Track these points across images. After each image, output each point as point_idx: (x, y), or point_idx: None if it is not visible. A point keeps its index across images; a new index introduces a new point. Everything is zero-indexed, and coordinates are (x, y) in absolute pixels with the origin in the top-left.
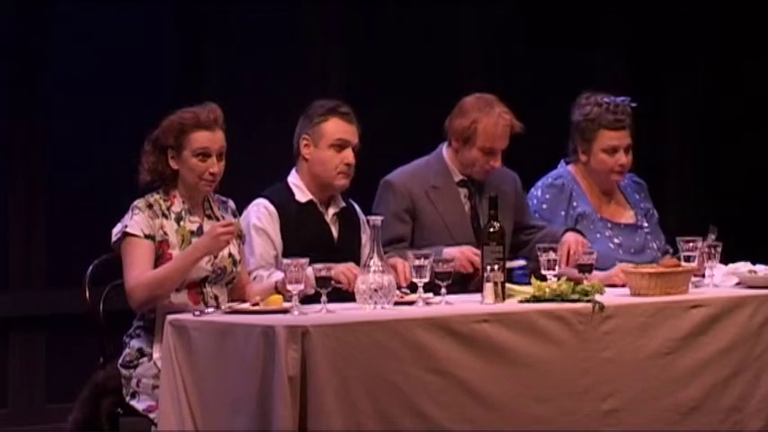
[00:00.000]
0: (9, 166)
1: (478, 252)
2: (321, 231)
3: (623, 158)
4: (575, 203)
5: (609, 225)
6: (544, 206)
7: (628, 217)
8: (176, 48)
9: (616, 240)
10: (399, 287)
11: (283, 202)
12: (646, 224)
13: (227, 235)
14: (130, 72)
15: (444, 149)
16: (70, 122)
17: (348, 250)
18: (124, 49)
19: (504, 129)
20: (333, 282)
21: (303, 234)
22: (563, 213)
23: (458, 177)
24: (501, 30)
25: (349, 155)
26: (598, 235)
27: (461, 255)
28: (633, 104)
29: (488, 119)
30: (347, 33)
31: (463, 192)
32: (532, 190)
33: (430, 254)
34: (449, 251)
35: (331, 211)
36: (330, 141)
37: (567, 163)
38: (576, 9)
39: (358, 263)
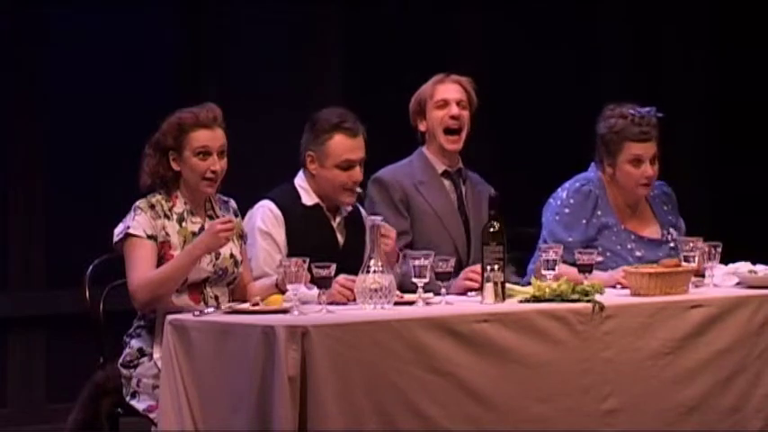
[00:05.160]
0: (9, 166)
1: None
2: (326, 237)
3: (649, 170)
4: (599, 212)
5: (632, 237)
6: (566, 210)
7: (653, 231)
8: (176, 48)
9: (638, 253)
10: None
11: (289, 204)
12: (671, 239)
13: (226, 232)
14: (130, 72)
15: (424, 149)
16: (70, 122)
17: (353, 256)
18: (124, 49)
19: (448, 81)
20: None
21: (308, 239)
22: (584, 222)
23: (441, 169)
24: (501, 30)
25: (356, 173)
26: (619, 247)
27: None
28: (659, 115)
29: (431, 82)
30: (347, 33)
31: (447, 183)
32: (558, 190)
33: (430, 254)
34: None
35: (338, 216)
36: (336, 162)
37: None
38: (576, 9)
39: None
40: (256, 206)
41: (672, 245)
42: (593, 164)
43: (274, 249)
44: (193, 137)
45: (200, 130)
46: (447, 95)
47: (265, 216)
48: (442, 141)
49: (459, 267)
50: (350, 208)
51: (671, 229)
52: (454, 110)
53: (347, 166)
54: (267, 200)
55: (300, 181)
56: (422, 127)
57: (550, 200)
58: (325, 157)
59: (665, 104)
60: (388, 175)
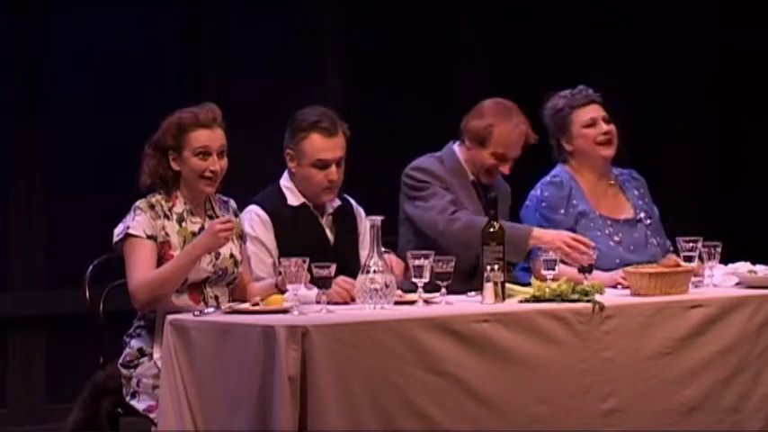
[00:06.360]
0: (9, 166)
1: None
2: (316, 235)
3: (604, 126)
4: (574, 201)
5: (608, 222)
6: (543, 204)
7: (627, 212)
8: (176, 48)
9: (616, 238)
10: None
11: (275, 206)
12: (645, 217)
13: (225, 232)
14: (130, 72)
15: (457, 148)
16: (70, 122)
17: (345, 252)
18: (124, 49)
19: (518, 137)
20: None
21: (298, 239)
22: (562, 212)
23: (470, 178)
24: (501, 30)
25: (331, 172)
26: (598, 233)
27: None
28: (596, 94)
29: (505, 125)
30: (347, 33)
31: (473, 193)
32: (531, 191)
33: (430, 254)
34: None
35: (326, 213)
36: (311, 161)
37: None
38: (575, 10)
39: (356, 262)
40: (244, 212)
41: (648, 222)
42: (558, 165)
43: (264, 254)
44: (193, 137)
45: (199, 130)
46: (510, 153)
47: (253, 221)
48: (481, 174)
49: (476, 270)
50: (338, 203)
51: (645, 217)
52: (506, 170)
53: (322, 165)
54: (254, 204)
55: (285, 181)
56: (469, 143)
57: (527, 202)
58: (302, 156)
59: (665, 103)
60: (429, 165)
